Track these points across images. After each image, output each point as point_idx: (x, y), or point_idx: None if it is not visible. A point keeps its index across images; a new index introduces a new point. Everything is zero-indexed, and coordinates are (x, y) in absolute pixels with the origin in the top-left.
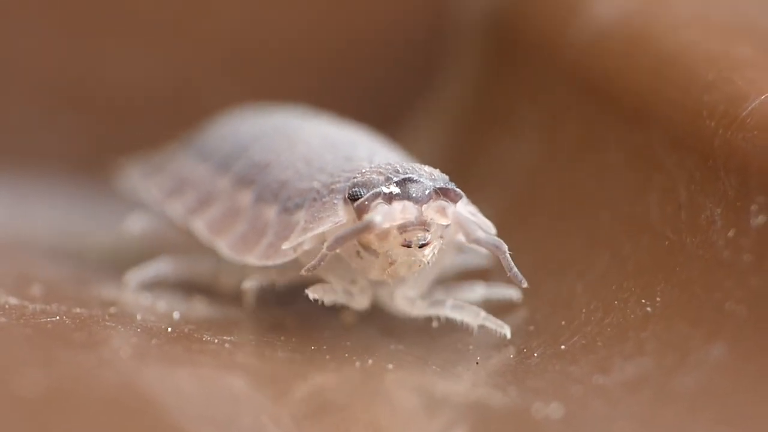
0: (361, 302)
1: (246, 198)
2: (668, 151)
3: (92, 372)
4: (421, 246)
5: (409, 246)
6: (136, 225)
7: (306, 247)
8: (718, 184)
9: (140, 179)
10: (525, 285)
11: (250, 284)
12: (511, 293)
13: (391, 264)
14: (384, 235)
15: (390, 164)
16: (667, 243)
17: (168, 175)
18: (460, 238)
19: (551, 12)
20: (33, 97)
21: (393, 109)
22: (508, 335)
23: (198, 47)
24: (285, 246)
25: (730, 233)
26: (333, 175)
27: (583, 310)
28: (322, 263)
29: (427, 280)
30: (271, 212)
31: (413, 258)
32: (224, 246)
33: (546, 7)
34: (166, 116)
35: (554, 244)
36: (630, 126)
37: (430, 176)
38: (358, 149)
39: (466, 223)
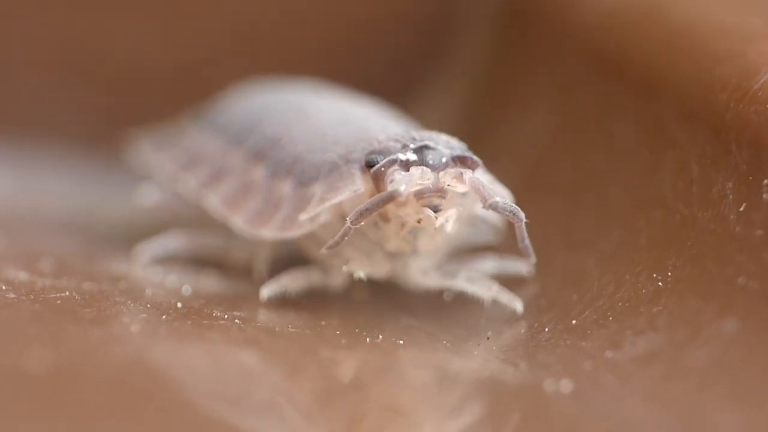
0: (380, 270)
1: (259, 173)
2: (680, 124)
3: (102, 348)
4: (438, 212)
5: (428, 212)
6: (147, 197)
7: (323, 219)
8: (729, 158)
9: (152, 153)
10: (533, 260)
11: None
12: (521, 267)
13: (408, 232)
14: (401, 202)
15: (407, 132)
16: (678, 217)
17: (180, 149)
18: (477, 209)
19: None
20: (43, 70)
21: (405, 84)
22: (520, 309)
23: (209, 20)
24: (302, 217)
25: (742, 207)
26: (348, 146)
27: (595, 285)
28: (345, 238)
29: (440, 251)
30: (285, 186)
31: (430, 225)
32: (239, 221)
33: None
34: (177, 89)
35: (566, 218)
36: (642, 100)
37: (447, 144)
38: (371, 122)
39: (483, 188)
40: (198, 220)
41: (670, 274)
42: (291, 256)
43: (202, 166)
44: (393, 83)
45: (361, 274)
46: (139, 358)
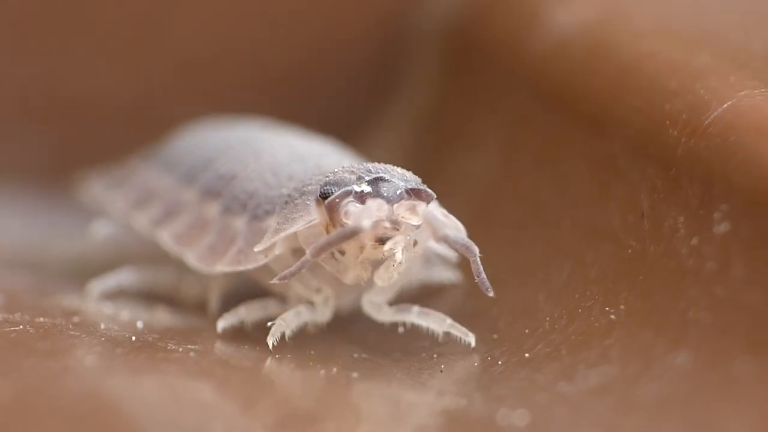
0: (323, 314)
1: (213, 209)
2: (630, 160)
3: (57, 380)
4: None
5: (381, 243)
6: (100, 231)
7: (278, 251)
8: (680, 192)
9: (104, 191)
10: (491, 294)
11: (214, 296)
12: (449, 275)
13: (363, 265)
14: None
15: (362, 164)
16: (630, 251)
17: (132, 187)
18: (432, 244)
19: (511, 21)
20: None
21: (353, 119)
22: (473, 343)
23: (158, 59)
24: (257, 248)
25: (694, 241)
26: (303, 181)
27: (547, 319)
28: (302, 270)
29: (393, 288)
30: (239, 222)
31: (384, 257)
32: (192, 257)
33: (506, 15)
34: (127, 128)
35: (516, 252)
36: (591, 135)
37: (401, 177)
38: (326, 159)
39: (435, 221)
40: (151, 255)
41: (622, 307)
42: (244, 290)
43: (155, 204)
44: (341, 120)
45: (292, 329)
46: (94, 390)
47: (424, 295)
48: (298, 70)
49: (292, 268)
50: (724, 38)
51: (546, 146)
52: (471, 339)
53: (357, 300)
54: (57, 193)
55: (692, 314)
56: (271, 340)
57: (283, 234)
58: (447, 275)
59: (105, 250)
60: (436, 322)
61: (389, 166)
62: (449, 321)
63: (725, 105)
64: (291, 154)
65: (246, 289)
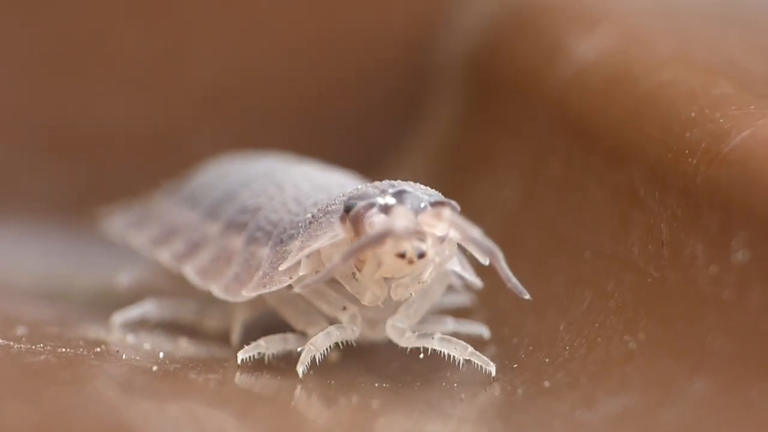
0: (352, 332)
1: (238, 242)
2: (650, 189)
3: (79, 409)
4: (419, 257)
5: (403, 257)
6: (127, 278)
7: (302, 271)
8: (700, 221)
9: (127, 228)
10: (527, 296)
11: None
12: (482, 330)
13: (383, 277)
14: (380, 247)
15: (385, 181)
16: (649, 280)
17: (155, 223)
18: (454, 265)
19: (532, 52)
20: (16, 140)
21: (375, 151)
22: (494, 372)
23: (181, 93)
24: (282, 267)
25: (713, 269)
26: (327, 203)
27: (567, 348)
28: (326, 277)
29: (417, 313)
30: (264, 250)
31: (408, 271)
32: (217, 289)
33: (526, 47)
34: (151, 161)
35: (537, 282)
36: (611, 164)
37: (425, 191)
38: (350, 188)
39: (462, 223)
40: (175, 288)
41: (641, 335)
42: (266, 323)
43: (179, 239)
44: (362, 152)
45: (324, 346)
46: (115, 419)
47: None
48: (319, 102)
49: (317, 276)
50: (743, 67)
51: (567, 175)
52: (492, 368)
53: (380, 332)
54: (82, 225)
55: (711, 341)
56: (301, 368)
57: (307, 250)
58: (461, 299)
59: (133, 284)
60: (457, 349)
61: (412, 182)
62: (470, 349)
63: (744, 133)
64: (314, 185)
65: (268, 322)
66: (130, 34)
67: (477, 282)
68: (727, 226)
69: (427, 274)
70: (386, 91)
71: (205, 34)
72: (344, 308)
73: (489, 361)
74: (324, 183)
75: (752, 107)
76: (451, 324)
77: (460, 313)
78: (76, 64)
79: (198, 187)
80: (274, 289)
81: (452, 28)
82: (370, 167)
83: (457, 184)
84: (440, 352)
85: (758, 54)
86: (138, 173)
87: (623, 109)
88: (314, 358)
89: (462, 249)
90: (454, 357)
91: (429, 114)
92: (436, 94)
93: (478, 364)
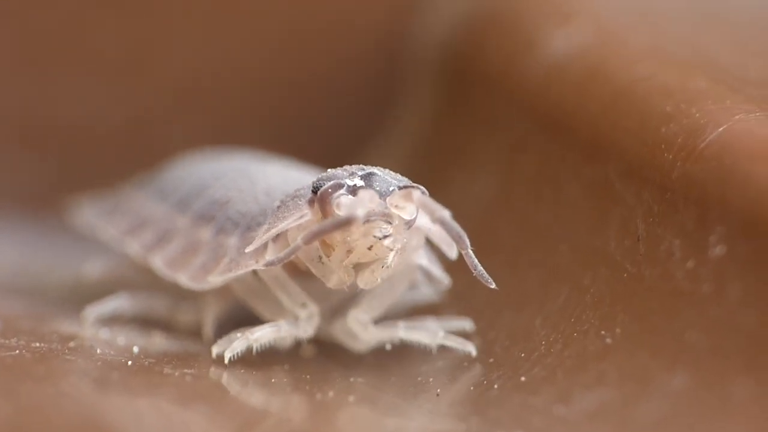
0: (306, 329)
1: (206, 233)
2: (626, 183)
3: (54, 404)
4: (384, 238)
5: (371, 239)
6: (94, 269)
7: (269, 255)
8: (676, 215)
9: (96, 218)
10: (493, 285)
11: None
12: (464, 324)
13: (351, 263)
14: (344, 231)
15: (356, 165)
16: (626, 275)
17: (125, 214)
18: (420, 260)
19: (507, 46)
20: None
21: (350, 145)
22: (474, 352)
23: (153, 86)
24: (248, 249)
25: (689, 264)
26: (296, 189)
27: (543, 342)
28: (291, 256)
29: (380, 305)
30: (232, 239)
31: (375, 255)
32: (184, 277)
33: (502, 41)
34: (122, 154)
35: (512, 277)
36: (587, 159)
37: (394, 176)
38: None
39: (431, 204)
40: (145, 281)
41: (618, 330)
42: (238, 317)
43: (148, 230)
44: (337, 146)
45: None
46: (90, 414)
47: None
48: (294, 95)
49: (281, 254)
50: (719, 63)
51: (543, 170)
52: (470, 348)
53: (337, 328)
54: (53, 218)
55: (688, 336)
56: (228, 354)
57: (273, 231)
58: (428, 293)
59: (101, 279)
60: (427, 336)
61: (381, 168)
62: (442, 333)
63: (721, 128)
64: (286, 179)
65: (241, 316)
66: (103, 26)
67: (444, 278)
68: (703, 221)
69: (391, 258)
70: (361, 84)
71: (179, 27)
72: (303, 305)
73: (465, 341)
74: (296, 179)
75: (728, 102)
76: (432, 324)
77: (430, 309)
78: (48, 56)
79: (169, 181)
80: (240, 272)
81: (428, 22)
82: (344, 162)
83: (432, 178)
84: (414, 342)
85: (734, 49)
86: (110, 167)
87: (599, 104)
88: (291, 350)
89: (429, 244)
90: (427, 347)
91: (404, 108)
92: (411, 88)
93: (455, 347)
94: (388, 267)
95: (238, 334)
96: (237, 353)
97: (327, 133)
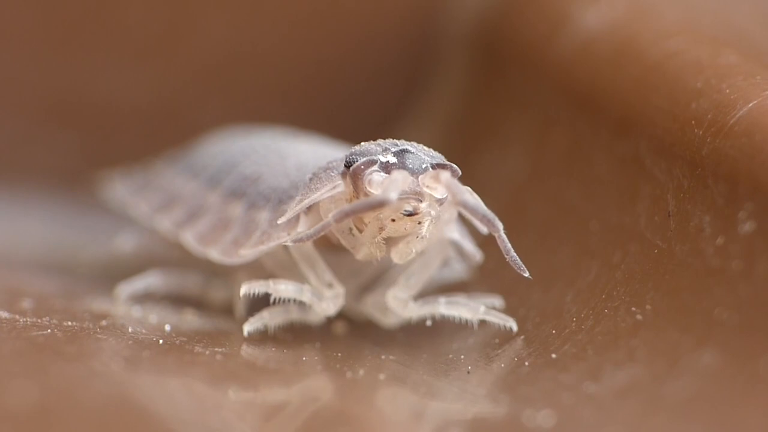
0: (329, 307)
1: (238, 208)
2: (656, 159)
3: (84, 384)
4: (415, 214)
5: (403, 216)
6: (126, 243)
7: (301, 227)
8: (706, 192)
9: (128, 195)
10: (527, 274)
11: (242, 291)
12: (494, 302)
13: (383, 239)
14: (376, 212)
15: (388, 140)
16: (656, 251)
17: (157, 191)
18: (453, 235)
19: (538, 23)
20: (21, 111)
21: (380, 122)
22: (515, 328)
23: (183, 64)
24: (280, 221)
25: (719, 240)
26: (329, 161)
27: (574, 319)
28: (321, 233)
29: (417, 282)
30: (264, 213)
31: (408, 230)
32: (215, 253)
33: (533, 17)
34: (152, 132)
35: (543, 254)
36: (618, 135)
37: (428, 153)
38: None
39: (456, 187)
40: (178, 258)
41: (648, 307)
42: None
43: (179, 207)
44: (367, 123)
45: (293, 296)
46: (121, 394)
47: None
48: (325, 73)
49: (311, 231)
50: (750, 38)
51: (573, 147)
52: (512, 323)
53: (368, 304)
54: (86, 196)
55: (717, 313)
56: (247, 328)
57: (306, 202)
58: (459, 269)
59: (134, 255)
60: (469, 311)
61: (415, 143)
62: (483, 308)
63: (751, 104)
64: (316, 155)
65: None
66: (135, 6)
67: (476, 253)
68: (733, 197)
69: (426, 229)
70: (391, 61)
71: (210, 5)
72: (330, 285)
73: (507, 317)
74: (327, 155)
75: (758, 77)
76: (443, 306)
77: (459, 287)
78: (81, 36)
79: (199, 157)
80: (272, 245)
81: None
82: (376, 137)
83: (463, 156)
84: (455, 317)
85: (765, 24)
86: (141, 144)
87: (629, 80)
88: (322, 328)
89: (463, 220)
90: (468, 322)
91: (435, 86)
92: (441, 66)
93: (496, 323)
94: (422, 238)
95: (298, 317)
96: (264, 323)
97: (358, 110)
